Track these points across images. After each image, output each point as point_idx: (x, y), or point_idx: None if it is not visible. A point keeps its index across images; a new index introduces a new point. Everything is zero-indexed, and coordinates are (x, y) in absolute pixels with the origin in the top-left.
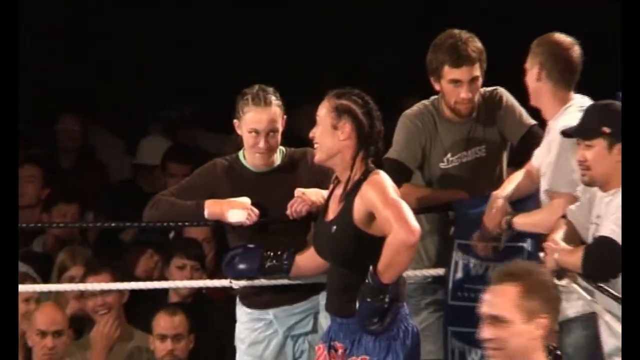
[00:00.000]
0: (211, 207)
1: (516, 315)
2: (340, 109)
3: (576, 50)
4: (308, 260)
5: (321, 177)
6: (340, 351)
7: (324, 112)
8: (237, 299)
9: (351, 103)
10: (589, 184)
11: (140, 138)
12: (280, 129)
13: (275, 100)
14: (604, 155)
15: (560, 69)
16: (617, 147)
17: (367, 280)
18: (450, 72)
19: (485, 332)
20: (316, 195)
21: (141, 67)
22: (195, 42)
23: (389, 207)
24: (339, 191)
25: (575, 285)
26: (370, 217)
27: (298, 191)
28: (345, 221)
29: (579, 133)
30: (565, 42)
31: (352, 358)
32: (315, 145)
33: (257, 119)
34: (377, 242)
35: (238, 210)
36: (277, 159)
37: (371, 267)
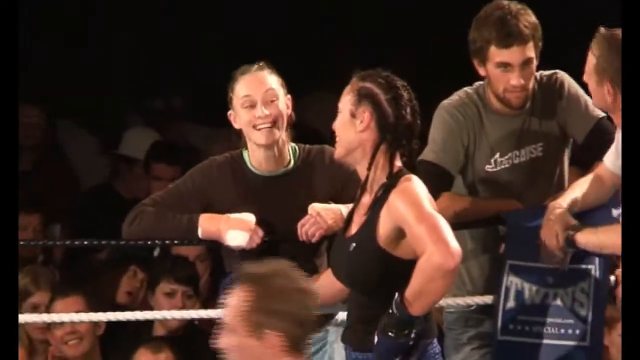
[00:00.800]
0: (206, 225)
1: (240, 326)
2: (362, 92)
3: None
4: (325, 285)
5: (343, 182)
6: None
7: (345, 97)
8: None
9: (375, 86)
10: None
11: (117, 134)
12: (283, 102)
13: (268, 69)
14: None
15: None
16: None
17: (391, 310)
18: (497, 54)
19: (220, 339)
20: (334, 216)
21: (120, 52)
22: (184, 23)
23: (424, 222)
24: (365, 199)
25: None
26: (399, 234)
27: (312, 209)
28: (367, 238)
29: None
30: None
31: None
32: (336, 139)
33: (249, 84)
34: (404, 266)
35: (238, 232)
36: (290, 159)
37: (397, 295)
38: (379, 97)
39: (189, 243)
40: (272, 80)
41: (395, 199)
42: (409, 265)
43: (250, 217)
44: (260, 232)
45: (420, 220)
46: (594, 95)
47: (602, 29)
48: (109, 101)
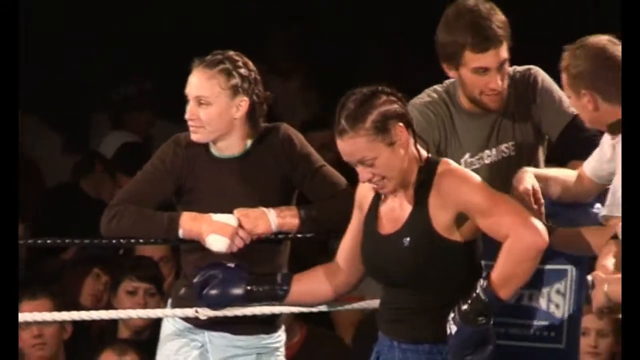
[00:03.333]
0: (188, 226)
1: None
2: (389, 116)
3: (619, 47)
4: (311, 284)
5: (294, 161)
6: None
7: (365, 139)
8: (169, 305)
9: (391, 106)
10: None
11: (81, 131)
12: (222, 104)
13: (225, 67)
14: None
15: (614, 80)
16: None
17: (477, 295)
18: (474, 59)
19: None
20: (264, 224)
21: (85, 47)
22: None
23: (499, 204)
24: (394, 198)
25: None
26: (460, 218)
27: (239, 213)
28: (422, 230)
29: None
30: (603, 43)
31: None
32: (377, 180)
33: (189, 81)
34: (463, 251)
35: (219, 237)
36: (247, 143)
37: (482, 280)
38: (402, 112)
39: (170, 242)
40: (212, 84)
41: (448, 184)
42: (463, 248)
43: (232, 221)
44: (244, 235)
45: (493, 202)
46: (580, 112)
47: (566, 46)
48: (73, 98)
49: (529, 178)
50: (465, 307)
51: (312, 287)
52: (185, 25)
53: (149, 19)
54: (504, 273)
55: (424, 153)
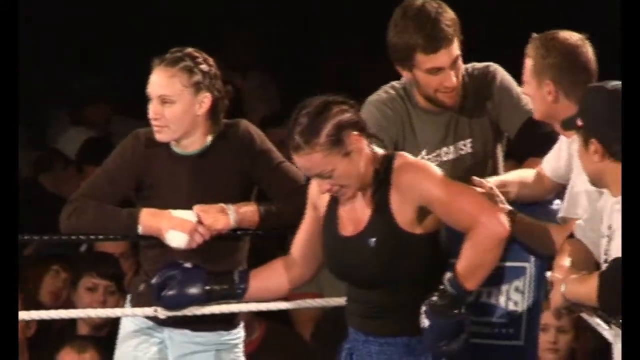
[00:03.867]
0: (147, 222)
1: None
2: (342, 126)
3: (590, 51)
4: (268, 280)
5: (252, 157)
6: None
7: (320, 154)
8: (128, 301)
9: (344, 115)
10: (591, 184)
11: (41, 125)
12: (185, 102)
13: (186, 64)
14: (582, 153)
15: (581, 82)
16: (594, 144)
17: (444, 288)
18: (426, 60)
19: None
20: (224, 220)
21: (42, 42)
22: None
23: (460, 195)
24: (353, 199)
25: (596, 319)
26: (421, 212)
27: (199, 209)
28: (386, 229)
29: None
30: (579, 44)
31: None
32: (336, 189)
33: (151, 80)
34: (428, 243)
35: (179, 233)
36: (207, 140)
37: (448, 273)
38: (356, 120)
39: (130, 239)
40: (175, 82)
41: (406, 179)
42: (429, 241)
43: (191, 217)
44: (204, 231)
45: (453, 193)
46: (535, 102)
47: (534, 34)
48: (32, 94)
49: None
50: (434, 300)
51: (269, 283)
52: (142, 22)
53: (105, 16)
54: (471, 263)
55: (379, 151)
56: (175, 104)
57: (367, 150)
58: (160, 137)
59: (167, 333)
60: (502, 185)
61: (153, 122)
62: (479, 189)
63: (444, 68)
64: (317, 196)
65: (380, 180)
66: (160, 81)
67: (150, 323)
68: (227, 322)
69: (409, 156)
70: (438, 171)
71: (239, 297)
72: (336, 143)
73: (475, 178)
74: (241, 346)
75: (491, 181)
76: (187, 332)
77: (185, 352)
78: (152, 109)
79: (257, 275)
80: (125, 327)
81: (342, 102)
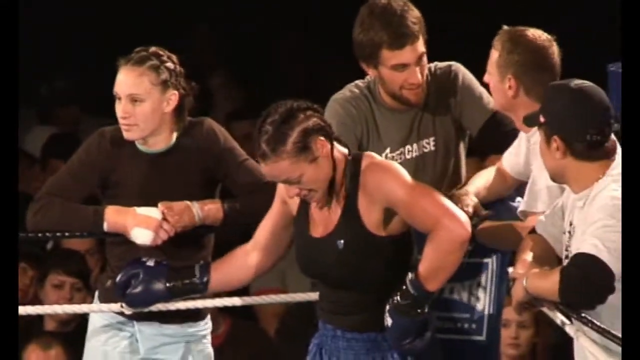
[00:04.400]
0: (112, 219)
1: None
2: (308, 133)
3: (556, 52)
4: (228, 271)
5: (217, 156)
6: None
7: (288, 161)
8: (96, 297)
9: (309, 121)
10: (552, 180)
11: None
12: (154, 100)
13: (153, 63)
14: (543, 150)
15: (543, 81)
16: (556, 141)
17: (406, 289)
18: (391, 56)
19: None
20: (188, 217)
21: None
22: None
23: (422, 197)
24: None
25: (557, 314)
26: (388, 214)
27: (164, 206)
28: (354, 231)
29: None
30: (546, 44)
31: None
32: (305, 194)
33: (119, 80)
34: (395, 245)
35: (143, 230)
36: (173, 138)
37: (410, 274)
38: (322, 125)
39: (97, 235)
40: (143, 81)
41: (372, 181)
42: (397, 243)
43: (156, 214)
44: (168, 228)
45: (416, 196)
46: (495, 93)
47: (504, 27)
48: None
49: (469, 202)
50: (396, 300)
51: (230, 274)
52: (106, 22)
53: (72, 17)
54: (431, 266)
55: (345, 151)
56: (145, 102)
57: (334, 153)
58: (129, 135)
59: (137, 327)
60: (477, 194)
61: (122, 121)
62: (466, 201)
63: (409, 64)
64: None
65: (349, 182)
66: (129, 80)
67: (120, 318)
68: (194, 314)
69: (376, 157)
70: (404, 173)
71: (202, 291)
72: (303, 150)
73: (464, 190)
74: (209, 337)
75: (472, 191)
76: (155, 324)
77: (156, 345)
78: (122, 108)
79: (218, 268)
80: (94, 322)
81: (307, 107)
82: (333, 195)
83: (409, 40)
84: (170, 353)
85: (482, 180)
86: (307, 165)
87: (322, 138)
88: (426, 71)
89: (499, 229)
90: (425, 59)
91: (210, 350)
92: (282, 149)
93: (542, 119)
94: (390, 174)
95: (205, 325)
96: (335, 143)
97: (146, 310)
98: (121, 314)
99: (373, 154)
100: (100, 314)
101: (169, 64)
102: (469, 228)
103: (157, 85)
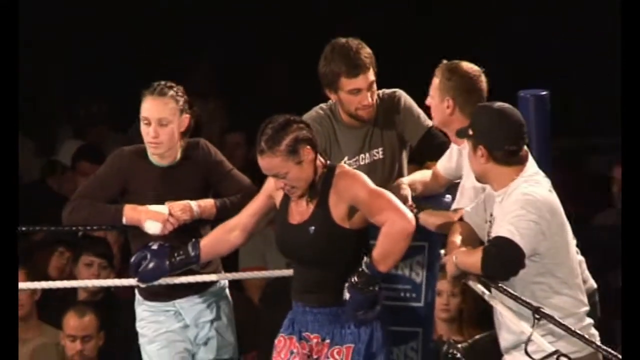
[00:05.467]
0: (129, 214)
1: None
2: (299, 140)
3: (484, 80)
4: (214, 244)
5: (215, 174)
6: (315, 341)
7: (279, 158)
8: (137, 296)
9: (301, 132)
10: (477, 181)
11: (50, 138)
12: (175, 123)
13: (172, 93)
14: (471, 156)
15: (473, 102)
16: (481, 149)
17: (362, 270)
18: (348, 83)
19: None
20: (189, 212)
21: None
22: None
23: (379, 198)
24: (301, 197)
25: (479, 285)
26: (351, 211)
27: (169, 204)
28: (324, 221)
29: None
30: (476, 74)
31: (335, 348)
32: (288, 188)
33: (148, 107)
34: (355, 236)
35: (154, 222)
36: (178, 154)
37: (366, 258)
38: (307, 135)
39: (117, 229)
40: (169, 107)
41: (342, 184)
42: (358, 235)
43: (164, 210)
44: (174, 221)
45: (374, 196)
46: (435, 111)
47: (444, 61)
48: (43, 109)
49: (405, 188)
50: (354, 279)
51: (216, 246)
52: (127, 57)
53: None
54: (383, 251)
55: (324, 161)
56: (169, 125)
57: (316, 161)
58: (156, 151)
59: (177, 305)
60: (412, 184)
61: (152, 140)
62: (402, 188)
63: (362, 89)
64: (274, 190)
65: (323, 184)
66: (158, 107)
67: (159, 303)
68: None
69: (346, 167)
70: (367, 180)
71: (195, 262)
72: (292, 152)
73: (399, 180)
74: (227, 287)
75: (405, 181)
76: (191, 297)
77: (197, 311)
78: (153, 131)
79: (206, 243)
80: (141, 314)
81: (301, 121)
82: (310, 192)
83: (362, 70)
84: (208, 310)
85: (417, 176)
86: (293, 166)
87: (308, 147)
88: (376, 96)
89: (436, 216)
90: (374, 86)
91: (230, 298)
92: (277, 148)
93: (470, 132)
94: (356, 179)
95: (222, 282)
96: (318, 154)
97: (156, 284)
98: (161, 298)
99: (345, 165)
100: (144, 306)
101: (180, 94)
102: (414, 222)
103: (178, 111)
